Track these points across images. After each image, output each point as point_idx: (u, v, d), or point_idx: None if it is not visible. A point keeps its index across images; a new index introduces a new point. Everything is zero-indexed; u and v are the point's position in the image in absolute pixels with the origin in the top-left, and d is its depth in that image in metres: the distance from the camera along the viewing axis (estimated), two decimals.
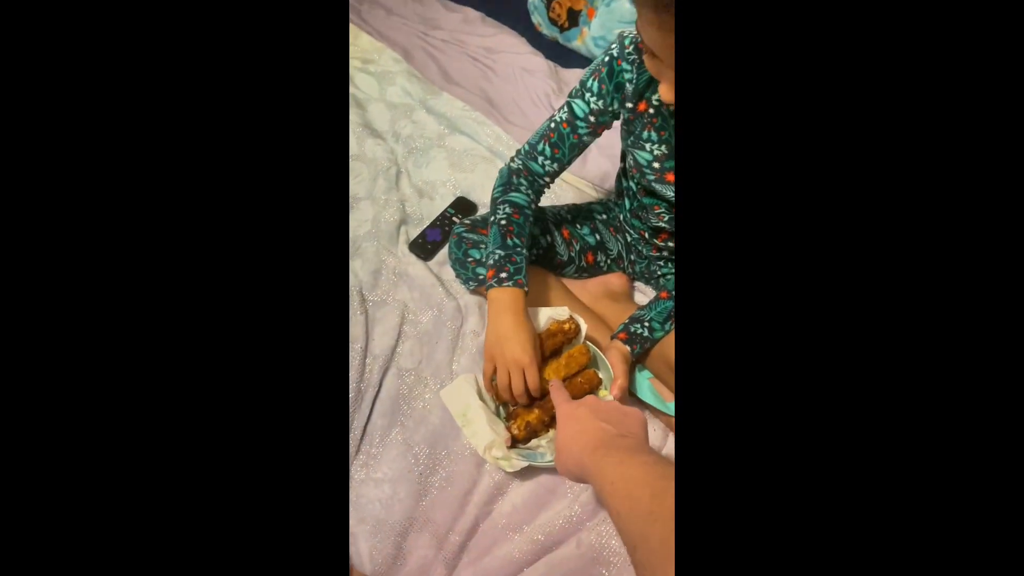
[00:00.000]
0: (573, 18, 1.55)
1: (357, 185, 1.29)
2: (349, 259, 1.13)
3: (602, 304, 1.05)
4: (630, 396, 0.93)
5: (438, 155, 1.34)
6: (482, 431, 0.86)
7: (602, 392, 0.91)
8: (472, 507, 0.85)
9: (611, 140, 1.03)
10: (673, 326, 0.91)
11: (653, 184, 0.89)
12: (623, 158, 0.97)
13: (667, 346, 0.91)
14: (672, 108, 0.81)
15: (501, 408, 0.92)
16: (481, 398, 0.90)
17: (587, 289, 1.06)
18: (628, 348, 0.91)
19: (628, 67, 0.82)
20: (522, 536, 0.82)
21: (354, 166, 1.32)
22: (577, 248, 1.05)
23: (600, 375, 0.91)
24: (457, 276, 1.06)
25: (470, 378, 0.93)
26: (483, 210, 1.23)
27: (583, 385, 0.88)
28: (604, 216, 1.08)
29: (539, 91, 1.48)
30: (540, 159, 0.93)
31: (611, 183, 1.23)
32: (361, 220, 1.21)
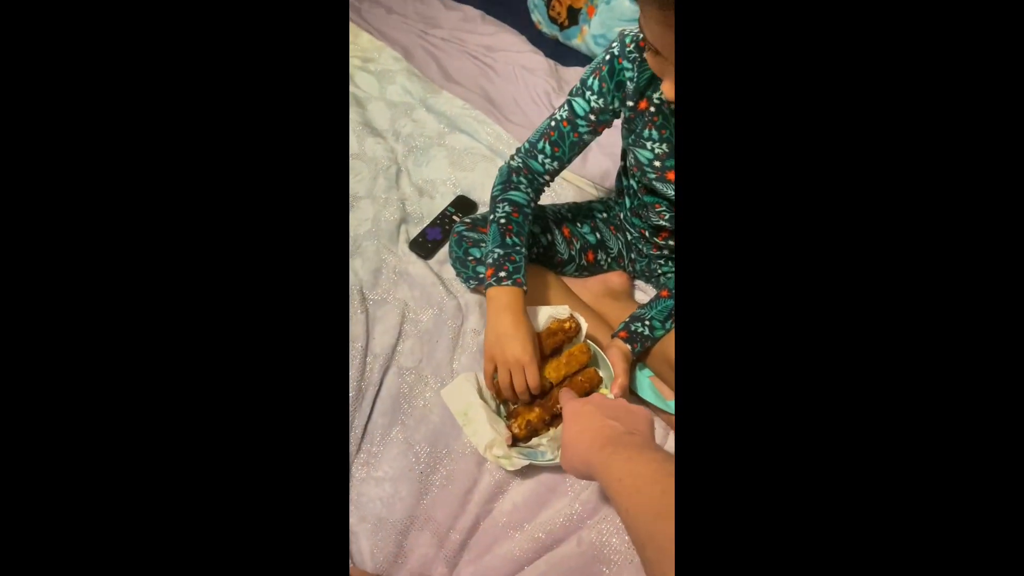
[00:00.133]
0: (573, 16, 1.55)
1: (357, 184, 1.29)
2: (349, 258, 1.13)
3: (602, 303, 1.05)
4: (630, 394, 0.93)
5: (438, 154, 1.34)
6: (483, 430, 0.86)
7: (602, 391, 0.91)
8: (473, 505, 0.85)
9: (612, 138, 1.03)
10: (673, 324, 0.91)
11: (654, 182, 0.89)
12: (624, 156, 0.97)
13: (667, 344, 0.91)
14: (674, 106, 0.81)
15: (502, 407, 0.92)
16: (482, 397, 0.90)
17: (587, 288, 1.06)
18: (628, 347, 0.91)
19: (629, 65, 0.82)
20: (523, 534, 0.82)
21: (354, 165, 1.32)
22: (577, 246, 1.05)
23: (601, 373, 0.91)
24: (457, 275, 1.06)
25: (471, 377, 0.93)
26: (483, 209, 1.23)
27: (583, 384, 0.88)
28: (604, 214, 1.08)
29: (539, 89, 1.48)
30: (540, 157, 0.93)
31: (612, 181, 1.23)
32: (361, 219, 1.21)
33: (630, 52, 0.82)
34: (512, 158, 0.97)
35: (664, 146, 0.85)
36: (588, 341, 0.92)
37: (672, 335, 0.91)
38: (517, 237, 0.91)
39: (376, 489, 0.87)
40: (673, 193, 0.88)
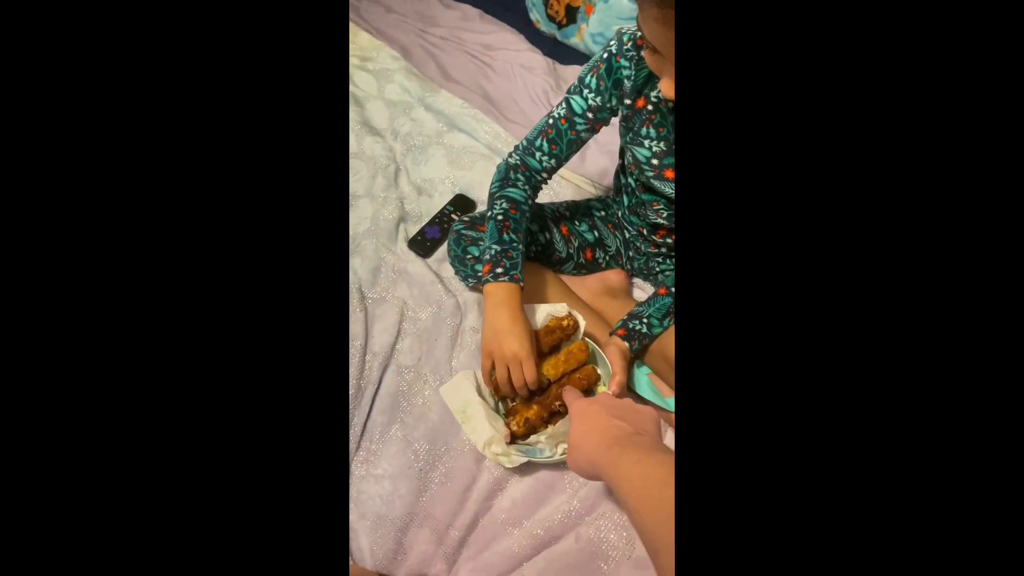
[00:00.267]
0: (571, 15, 1.55)
1: (356, 183, 1.29)
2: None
3: (601, 301, 1.05)
4: (628, 392, 0.93)
5: (437, 152, 1.34)
6: (481, 427, 0.86)
7: (600, 388, 0.91)
8: (472, 502, 0.85)
9: (610, 137, 1.03)
10: (671, 322, 0.92)
11: (651, 180, 0.90)
12: (622, 155, 0.97)
13: (665, 342, 0.92)
14: (672, 104, 0.82)
15: (500, 404, 0.93)
16: (480, 394, 0.91)
17: (586, 286, 1.07)
18: (626, 344, 0.91)
19: (627, 63, 0.82)
20: (521, 531, 0.83)
21: (353, 164, 1.32)
22: (576, 245, 1.05)
23: (599, 371, 0.91)
24: (456, 273, 1.06)
25: (469, 375, 0.93)
26: (482, 207, 1.23)
27: (581, 381, 0.89)
28: (603, 213, 1.08)
29: (537, 88, 1.48)
30: (538, 155, 0.93)
31: (610, 180, 1.23)
32: (360, 218, 1.21)
33: (628, 50, 0.82)
34: (510, 156, 0.97)
35: (661, 144, 0.85)
36: (586, 339, 0.93)
37: (670, 332, 0.92)
38: (514, 234, 0.91)
39: (375, 487, 0.87)
40: (670, 191, 0.88)
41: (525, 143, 0.95)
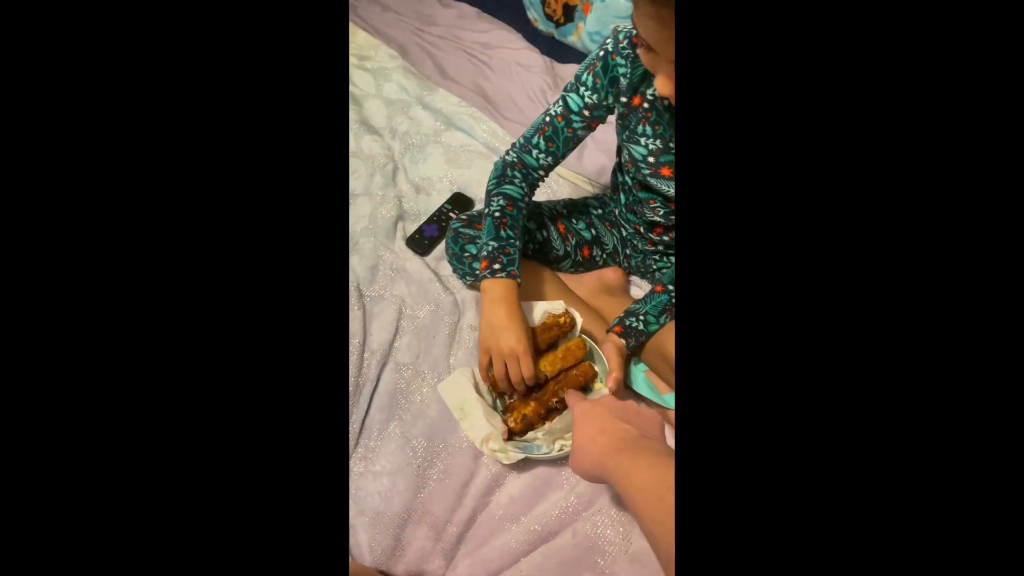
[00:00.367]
0: (568, 13, 1.55)
1: (354, 181, 1.29)
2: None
3: (598, 298, 1.06)
4: (625, 389, 0.93)
5: (434, 151, 1.35)
6: (479, 424, 0.87)
7: (597, 385, 0.91)
8: (469, 499, 0.86)
9: (607, 135, 1.04)
10: (667, 319, 0.92)
11: (648, 178, 0.90)
12: (618, 153, 0.98)
13: (662, 339, 0.92)
14: (668, 102, 0.82)
15: (498, 401, 0.93)
16: (478, 391, 0.91)
17: (583, 283, 1.07)
18: (623, 341, 0.91)
19: (622, 61, 0.83)
20: (519, 527, 0.83)
21: (351, 162, 1.32)
22: (573, 242, 1.06)
23: (596, 368, 0.92)
24: (454, 271, 1.06)
25: (467, 372, 0.93)
26: (479, 205, 1.23)
27: (578, 377, 0.89)
28: (600, 211, 1.09)
29: (535, 86, 1.49)
30: (534, 152, 0.93)
31: (607, 178, 1.24)
32: (358, 216, 1.22)
33: (623, 48, 0.82)
34: (507, 153, 0.97)
35: (658, 142, 0.86)
36: (583, 336, 0.93)
37: (666, 330, 0.92)
38: (511, 230, 0.92)
39: (374, 483, 0.88)
40: (667, 189, 0.89)
41: (522, 141, 0.95)
